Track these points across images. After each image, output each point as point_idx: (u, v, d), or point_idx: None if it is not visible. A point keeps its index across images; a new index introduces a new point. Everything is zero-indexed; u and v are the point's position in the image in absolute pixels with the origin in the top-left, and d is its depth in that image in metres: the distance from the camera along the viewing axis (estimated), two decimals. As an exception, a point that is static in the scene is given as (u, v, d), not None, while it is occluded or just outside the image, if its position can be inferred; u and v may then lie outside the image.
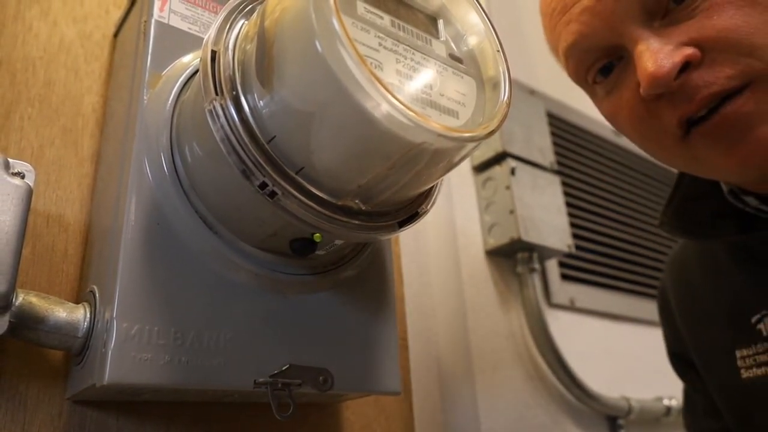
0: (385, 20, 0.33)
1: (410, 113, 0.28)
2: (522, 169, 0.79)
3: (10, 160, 0.35)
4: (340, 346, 0.41)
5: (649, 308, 0.96)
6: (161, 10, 0.41)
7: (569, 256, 0.84)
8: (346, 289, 0.43)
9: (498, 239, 0.77)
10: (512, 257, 0.79)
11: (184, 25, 0.42)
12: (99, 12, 0.48)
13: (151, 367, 0.33)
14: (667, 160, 0.45)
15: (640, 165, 1.08)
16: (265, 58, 0.31)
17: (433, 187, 0.40)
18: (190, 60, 0.40)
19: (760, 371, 0.44)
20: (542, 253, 0.79)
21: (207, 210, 0.37)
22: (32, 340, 0.35)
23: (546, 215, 0.79)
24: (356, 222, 0.34)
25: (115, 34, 0.48)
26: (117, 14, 0.49)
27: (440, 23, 0.36)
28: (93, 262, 0.39)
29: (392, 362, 0.44)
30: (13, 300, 0.34)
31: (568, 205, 0.88)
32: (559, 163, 0.90)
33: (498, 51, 0.36)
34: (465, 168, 0.82)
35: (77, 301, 0.39)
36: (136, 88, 0.39)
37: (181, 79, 0.38)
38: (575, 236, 0.88)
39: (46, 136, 0.42)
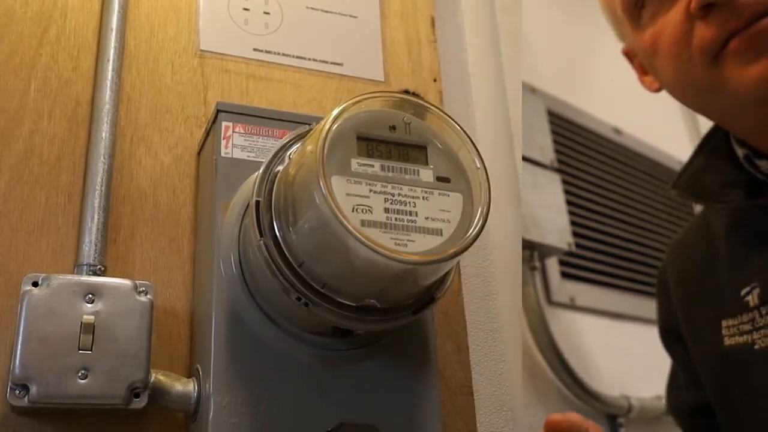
0: (376, 167, 0.51)
1: (386, 252, 0.46)
2: (522, 167, 0.91)
3: (137, 282, 0.60)
4: (386, 405, 0.60)
5: (650, 306, 1.02)
6: (226, 147, 0.63)
7: (570, 254, 0.94)
8: (388, 356, 0.62)
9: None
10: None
11: (243, 155, 0.64)
12: (186, 135, 0.73)
13: (238, 429, 0.56)
14: (691, 90, 0.53)
15: (642, 164, 1.14)
16: (289, 210, 0.51)
17: (447, 273, 0.57)
18: (248, 184, 0.62)
19: (741, 339, 0.55)
20: (542, 251, 0.90)
21: (269, 308, 0.58)
22: (163, 407, 0.60)
23: (546, 213, 0.90)
24: (374, 318, 0.53)
25: (199, 153, 0.72)
26: (199, 133, 0.73)
27: (429, 150, 0.53)
28: (197, 345, 0.64)
29: (435, 415, 0.62)
30: (149, 379, 0.59)
31: (569, 203, 0.98)
32: (559, 161, 1.00)
33: (479, 168, 0.52)
34: (543, 199, 0.95)
35: (189, 375, 0.63)
36: (213, 215, 0.62)
37: (241, 208, 0.60)
38: (576, 234, 0.98)
39: (158, 248, 0.68)
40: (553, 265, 0.96)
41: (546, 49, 1.14)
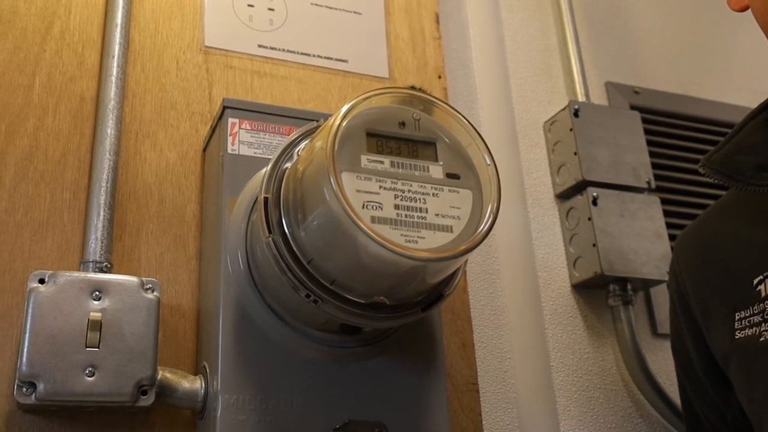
0: (386, 163, 0.50)
1: (396, 249, 0.46)
2: (607, 196, 0.90)
3: (143, 279, 0.59)
4: (393, 402, 0.60)
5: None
6: (232, 144, 0.63)
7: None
8: (395, 353, 0.62)
9: (583, 273, 0.89)
10: (604, 288, 0.91)
11: (250, 152, 0.63)
12: (191, 132, 0.73)
13: (246, 426, 0.55)
14: None
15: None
16: (298, 207, 0.51)
17: (456, 270, 0.57)
18: (255, 180, 0.62)
19: (750, 332, 0.55)
20: (636, 284, 0.89)
21: (277, 305, 0.58)
22: (170, 404, 0.60)
23: (638, 243, 0.89)
24: (382, 315, 0.53)
25: (204, 149, 0.72)
26: (204, 130, 0.73)
27: (438, 146, 0.53)
28: (203, 342, 0.63)
29: (442, 412, 0.62)
30: (157, 377, 0.59)
31: (675, 226, 0.95)
32: (660, 177, 0.97)
33: (489, 165, 0.52)
34: (547, 196, 0.95)
35: (195, 372, 0.63)
36: (219, 211, 0.62)
37: (248, 204, 0.60)
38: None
39: (164, 245, 0.67)
40: (661, 292, 0.88)
41: (654, 46, 1.12)
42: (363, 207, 0.48)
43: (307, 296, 0.52)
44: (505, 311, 0.86)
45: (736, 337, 0.57)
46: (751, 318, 0.55)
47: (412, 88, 0.58)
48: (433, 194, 0.51)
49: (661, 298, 0.96)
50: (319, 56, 0.83)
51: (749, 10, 0.59)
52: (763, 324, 0.54)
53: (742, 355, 0.56)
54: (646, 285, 0.91)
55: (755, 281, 0.56)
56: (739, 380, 0.57)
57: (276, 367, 0.58)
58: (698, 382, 0.66)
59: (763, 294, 0.55)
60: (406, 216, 0.49)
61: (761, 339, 0.54)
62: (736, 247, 0.60)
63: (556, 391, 0.84)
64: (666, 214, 0.94)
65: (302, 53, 0.82)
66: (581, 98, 0.98)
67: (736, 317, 0.57)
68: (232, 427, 0.55)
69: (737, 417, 0.61)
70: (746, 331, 0.56)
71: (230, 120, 0.65)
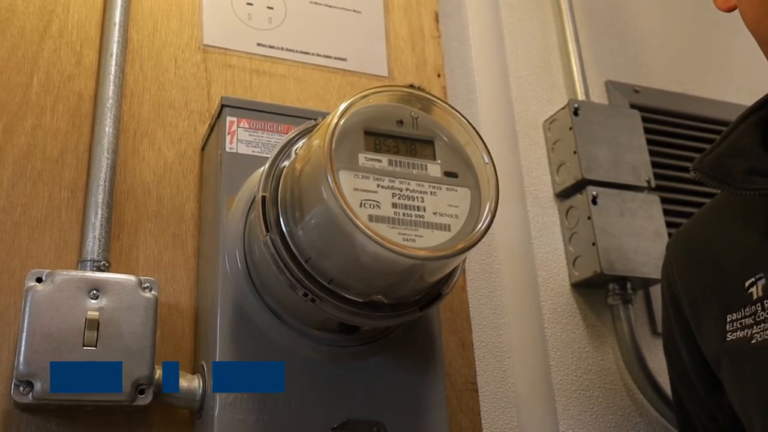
0: (383, 162, 0.50)
1: (394, 247, 0.46)
2: (606, 195, 0.90)
3: (141, 278, 0.59)
4: (392, 402, 0.60)
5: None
6: (231, 142, 0.63)
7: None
8: (394, 352, 0.61)
9: (582, 272, 0.89)
10: (604, 287, 0.90)
11: (248, 150, 0.63)
12: (189, 131, 0.72)
13: (244, 425, 0.55)
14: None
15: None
16: (296, 205, 0.51)
17: (454, 269, 0.56)
18: (253, 179, 0.61)
19: (741, 334, 0.55)
20: (636, 283, 0.89)
21: (275, 304, 0.58)
22: (167, 403, 0.60)
23: (638, 242, 0.88)
24: (380, 314, 0.53)
25: (203, 148, 0.72)
26: (203, 129, 0.73)
27: (436, 144, 0.53)
28: (201, 341, 0.63)
29: (441, 411, 0.62)
30: (154, 376, 0.58)
31: (675, 226, 0.94)
32: (660, 176, 0.97)
33: (487, 163, 0.51)
34: (547, 195, 0.95)
35: (194, 371, 0.63)
36: (217, 210, 0.61)
37: (246, 203, 0.59)
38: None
39: (162, 243, 0.67)
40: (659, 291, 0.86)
41: (654, 45, 1.12)
42: (360, 205, 0.48)
43: (305, 295, 0.51)
44: (504, 310, 0.86)
45: (728, 339, 0.56)
46: (743, 320, 0.55)
47: (411, 86, 0.58)
48: (431, 193, 0.50)
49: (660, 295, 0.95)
50: (318, 55, 0.83)
51: (737, 10, 0.58)
52: (754, 326, 0.54)
53: (733, 357, 0.56)
54: (645, 284, 0.91)
55: (747, 283, 0.56)
56: (731, 382, 0.57)
57: (274, 366, 0.57)
58: (690, 383, 0.66)
59: (755, 296, 0.55)
60: (403, 214, 0.49)
61: (752, 341, 0.54)
62: (728, 248, 0.60)
63: (555, 391, 0.83)
64: (666, 213, 0.93)
65: (301, 52, 0.82)
66: (581, 97, 0.98)
67: (728, 319, 0.57)
68: (230, 427, 0.55)
69: (729, 418, 0.61)
70: (737, 333, 0.56)
71: (228, 118, 0.64)
